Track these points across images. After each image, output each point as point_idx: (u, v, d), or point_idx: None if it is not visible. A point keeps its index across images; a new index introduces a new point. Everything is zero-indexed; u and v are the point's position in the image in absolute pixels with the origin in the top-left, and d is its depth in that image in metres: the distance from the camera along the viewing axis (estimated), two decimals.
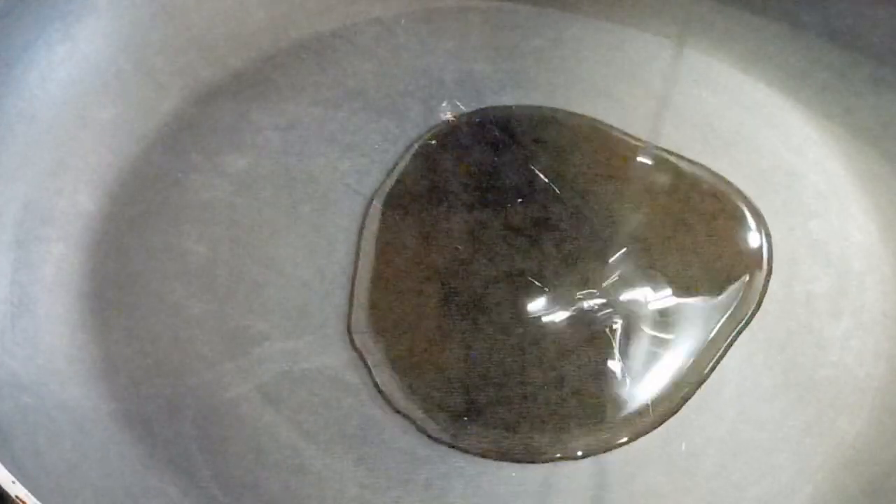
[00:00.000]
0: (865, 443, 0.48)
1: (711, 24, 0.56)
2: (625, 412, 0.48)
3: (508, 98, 0.54)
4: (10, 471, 0.40)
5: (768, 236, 0.52)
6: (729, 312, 0.50)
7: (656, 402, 0.48)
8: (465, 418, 0.47)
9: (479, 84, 0.54)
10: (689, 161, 0.53)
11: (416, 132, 0.52)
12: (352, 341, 0.48)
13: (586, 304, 0.49)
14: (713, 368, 0.49)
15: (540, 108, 0.53)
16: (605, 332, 0.49)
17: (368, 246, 0.50)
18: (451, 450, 0.47)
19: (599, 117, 0.53)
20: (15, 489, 0.39)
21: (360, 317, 0.49)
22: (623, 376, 0.48)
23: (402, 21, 0.55)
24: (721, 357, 0.49)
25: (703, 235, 0.51)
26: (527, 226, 0.50)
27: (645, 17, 0.57)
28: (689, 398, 0.48)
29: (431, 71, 0.54)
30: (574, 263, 0.50)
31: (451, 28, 0.56)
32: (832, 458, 0.48)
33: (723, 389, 0.48)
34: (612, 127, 0.53)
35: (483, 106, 0.53)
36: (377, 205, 0.51)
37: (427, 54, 0.55)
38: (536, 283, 0.49)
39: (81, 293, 0.48)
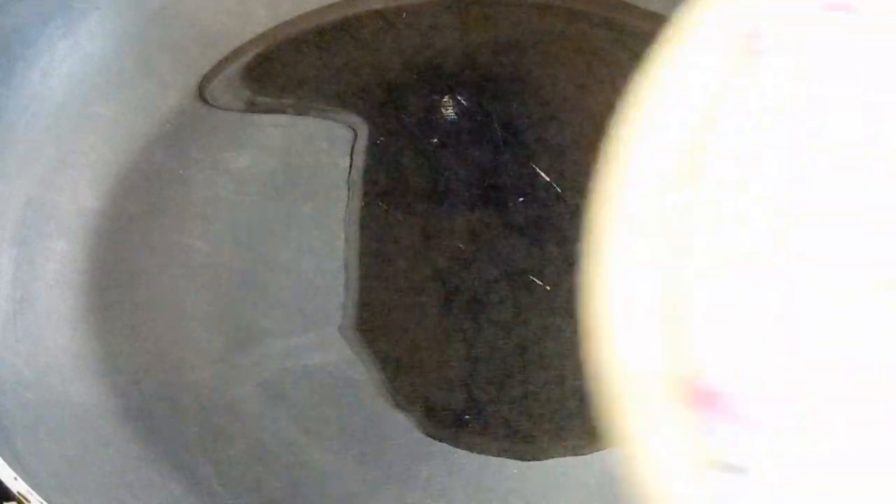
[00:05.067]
0: None
1: None
2: None
3: (511, 93, 0.54)
4: (12, 467, 0.40)
5: None
6: None
7: None
8: (467, 416, 0.47)
9: (482, 79, 0.54)
10: None
11: (417, 128, 0.52)
12: (353, 339, 0.48)
13: None
14: None
15: None
16: None
17: (370, 244, 0.50)
18: (453, 447, 0.47)
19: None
20: (17, 486, 0.39)
21: (362, 314, 0.49)
22: None
23: (404, 15, 0.55)
24: None
25: None
26: (528, 225, 0.50)
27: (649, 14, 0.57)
28: None
29: (433, 66, 0.54)
30: (576, 262, 0.50)
31: (452, 23, 0.56)
32: None
33: None
34: None
35: (483, 102, 0.53)
36: (379, 203, 0.51)
37: (428, 49, 0.54)
38: (538, 282, 0.49)
39: (83, 290, 0.49)
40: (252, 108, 0.52)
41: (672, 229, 0.29)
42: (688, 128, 0.31)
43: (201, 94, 0.51)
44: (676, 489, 0.28)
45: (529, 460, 0.47)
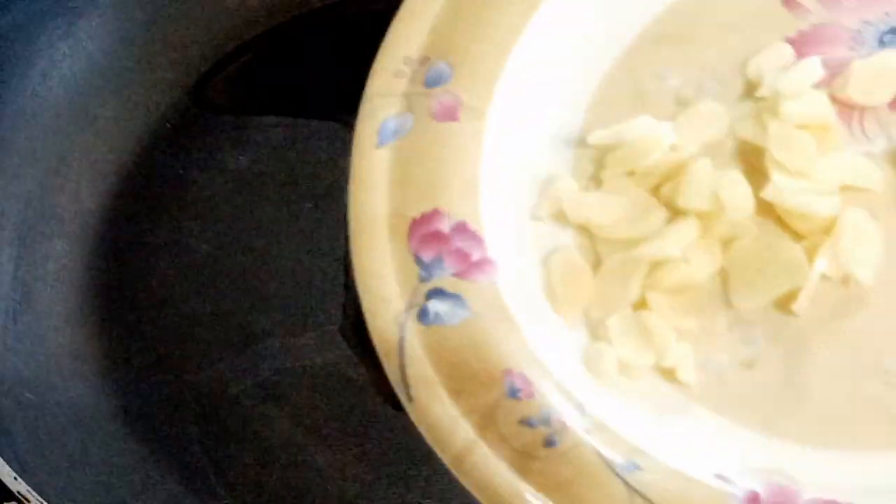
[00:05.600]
0: None
1: None
2: None
3: None
4: (12, 466, 0.40)
5: None
6: None
7: None
8: None
9: None
10: None
11: None
12: (353, 338, 0.48)
13: None
14: None
15: None
16: None
17: None
18: None
19: None
20: (17, 485, 0.39)
21: (362, 314, 0.49)
22: None
23: None
24: None
25: None
26: None
27: None
28: None
29: None
30: None
31: None
32: None
33: None
34: None
35: None
36: None
37: None
38: None
39: (83, 290, 0.49)
40: (252, 107, 0.52)
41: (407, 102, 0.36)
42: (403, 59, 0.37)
43: (201, 94, 0.51)
44: (395, 307, 0.33)
45: None
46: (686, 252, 0.33)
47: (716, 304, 0.34)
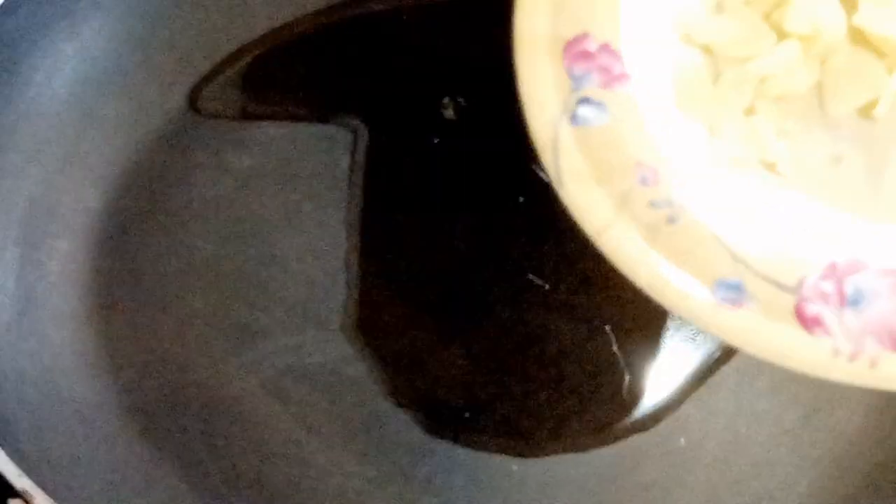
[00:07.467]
0: (864, 436, 0.48)
1: None
2: (624, 408, 0.48)
3: (511, 93, 0.53)
4: (16, 464, 0.40)
5: None
6: None
7: (655, 398, 0.48)
8: (467, 414, 0.48)
9: (482, 79, 0.54)
10: None
11: (417, 129, 0.52)
12: (354, 337, 0.48)
13: (586, 302, 0.49)
14: (712, 366, 0.49)
15: None
16: (604, 329, 0.49)
17: (370, 243, 0.50)
18: (453, 445, 0.48)
19: None
20: (21, 482, 0.40)
21: (363, 313, 0.49)
22: (622, 373, 0.48)
23: (404, 17, 0.55)
24: (721, 355, 0.49)
25: None
26: (528, 225, 0.50)
27: None
28: (689, 394, 0.48)
29: (433, 66, 0.54)
30: (575, 261, 0.50)
31: (452, 23, 0.56)
32: (830, 452, 0.48)
33: (721, 384, 0.49)
34: None
35: (484, 99, 0.53)
36: (379, 203, 0.51)
37: (428, 49, 0.55)
38: (537, 281, 0.49)
39: (87, 289, 0.49)
40: (253, 108, 0.52)
41: None
42: None
43: (203, 94, 0.52)
44: (551, 111, 0.39)
45: (529, 458, 0.47)
46: (789, 67, 0.39)
47: (812, 111, 0.40)
